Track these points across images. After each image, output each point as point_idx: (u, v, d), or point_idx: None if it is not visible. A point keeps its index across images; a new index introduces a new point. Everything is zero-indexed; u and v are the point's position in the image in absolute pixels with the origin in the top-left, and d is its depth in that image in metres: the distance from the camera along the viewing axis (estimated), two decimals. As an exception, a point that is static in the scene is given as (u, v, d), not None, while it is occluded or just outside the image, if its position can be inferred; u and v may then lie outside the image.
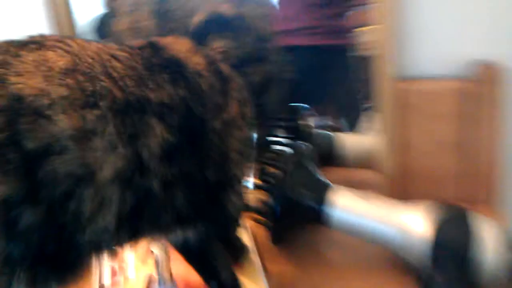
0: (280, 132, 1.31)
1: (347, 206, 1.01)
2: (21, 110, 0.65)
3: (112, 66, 0.76)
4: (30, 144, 0.65)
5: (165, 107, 0.79)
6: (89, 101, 0.71)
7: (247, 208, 1.08)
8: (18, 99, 0.65)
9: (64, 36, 0.78)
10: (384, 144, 1.17)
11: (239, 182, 0.96)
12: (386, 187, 1.18)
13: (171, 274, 0.97)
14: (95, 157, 0.70)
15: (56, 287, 0.78)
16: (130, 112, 0.75)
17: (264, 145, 1.40)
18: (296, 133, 1.29)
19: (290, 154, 1.13)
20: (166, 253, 0.96)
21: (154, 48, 0.86)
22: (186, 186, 0.84)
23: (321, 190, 1.05)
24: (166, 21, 1.15)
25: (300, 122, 1.31)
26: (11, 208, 0.65)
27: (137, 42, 0.87)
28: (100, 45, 0.79)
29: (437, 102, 1.14)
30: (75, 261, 0.78)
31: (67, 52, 0.73)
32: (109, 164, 0.72)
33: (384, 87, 1.13)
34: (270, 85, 1.26)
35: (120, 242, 0.82)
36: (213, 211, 0.93)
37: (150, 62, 0.82)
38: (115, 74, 0.75)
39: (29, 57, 0.69)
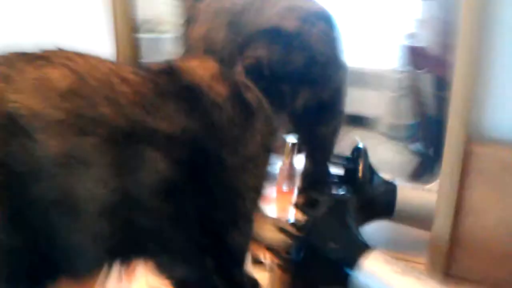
0: (334, 169, 1.19)
1: (377, 275, 0.89)
2: (15, 130, 0.62)
3: (120, 91, 0.70)
4: (18, 168, 0.62)
5: (173, 140, 0.73)
6: (85, 128, 0.65)
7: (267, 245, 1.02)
8: (13, 118, 0.62)
9: (77, 53, 0.72)
10: (444, 207, 1.02)
11: (248, 219, 0.90)
12: (435, 254, 1.04)
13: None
14: (84, 189, 0.65)
15: None
16: (130, 143, 0.69)
17: (311, 180, 1.31)
18: (351, 176, 1.16)
19: (329, 199, 1.02)
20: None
21: (173, 73, 0.79)
22: (185, 224, 0.79)
23: (353, 250, 0.93)
24: (238, 33, 1.10)
25: (361, 163, 1.17)
26: None
27: (157, 64, 0.81)
28: (113, 66, 0.73)
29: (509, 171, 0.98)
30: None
31: (74, 72, 0.68)
32: (98, 197, 0.67)
33: (454, 147, 0.98)
34: (323, 113, 1.20)
35: (105, 268, 0.78)
36: (214, 249, 0.87)
37: (165, 89, 0.75)
38: (121, 100, 0.69)
39: (32, 74, 0.65)
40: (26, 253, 0.65)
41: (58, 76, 0.66)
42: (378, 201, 1.13)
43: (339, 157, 1.22)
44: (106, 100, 0.68)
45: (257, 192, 0.90)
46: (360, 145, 1.19)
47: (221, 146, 0.80)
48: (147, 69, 0.78)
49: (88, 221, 0.67)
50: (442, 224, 1.01)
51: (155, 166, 0.71)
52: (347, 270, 0.91)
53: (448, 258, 1.03)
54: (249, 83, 0.90)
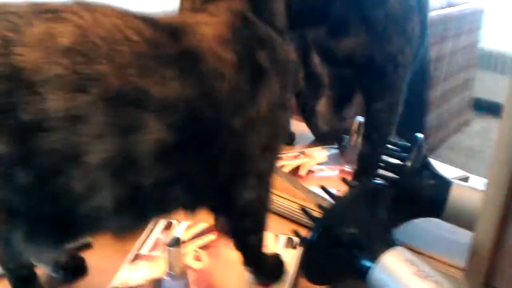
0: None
1: (395, 274, 0.82)
2: (19, 82, 0.66)
3: (119, 50, 0.70)
4: (24, 116, 0.66)
5: (167, 105, 0.72)
6: (81, 84, 0.67)
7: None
8: (18, 70, 0.65)
9: (88, 5, 0.73)
10: (490, 210, 0.92)
11: (261, 179, 0.89)
12: (476, 262, 0.95)
13: (183, 269, 0.92)
14: (82, 142, 0.68)
15: (53, 248, 0.85)
16: (124, 104, 0.70)
17: (362, 164, 1.25)
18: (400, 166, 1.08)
19: (361, 186, 0.96)
20: (179, 247, 0.91)
21: (174, 33, 0.77)
22: (188, 184, 0.80)
23: (375, 241, 0.87)
24: None
25: (412, 153, 1.08)
26: (6, 164, 0.67)
27: (166, 18, 0.80)
28: (119, 21, 0.72)
29: None
30: (74, 229, 0.79)
31: (77, 27, 0.69)
32: (96, 151, 0.69)
33: (504, 147, 0.87)
34: (375, 82, 1.19)
35: (124, 225, 0.82)
36: (222, 205, 0.90)
37: (163, 52, 0.74)
38: (118, 59, 0.70)
39: (39, 28, 0.68)
40: (39, 191, 0.70)
41: (62, 31, 0.68)
42: (425, 196, 1.04)
43: (396, 144, 1.14)
44: (105, 59, 0.69)
45: (270, 151, 0.88)
46: (418, 134, 1.10)
47: (221, 112, 0.78)
48: (154, 24, 0.76)
49: (90, 172, 0.70)
50: (485, 229, 0.91)
51: (150, 128, 0.71)
52: (364, 262, 0.85)
53: (490, 267, 0.93)
54: (268, 34, 0.86)
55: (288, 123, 0.95)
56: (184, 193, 0.81)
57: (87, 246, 1.10)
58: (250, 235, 0.94)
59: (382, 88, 1.19)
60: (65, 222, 0.77)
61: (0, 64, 0.65)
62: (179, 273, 0.91)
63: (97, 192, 0.72)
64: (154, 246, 1.08)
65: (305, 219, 1.04)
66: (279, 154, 0.93)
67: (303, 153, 1.48)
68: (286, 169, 1.38)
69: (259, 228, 0.95)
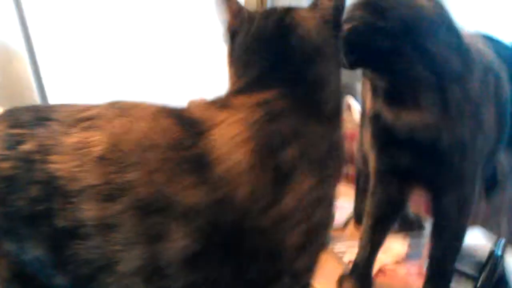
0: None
1: None
2: (55, 189, 0.68)
3: (147, 157, 0.70)
4: (60, 223, 0.68)
5: (189, 211, 0.70)
6: (113, 194, 0.68)
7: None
8: (54, 179, 0.68)
9: (121, 110, 0.75)
10: None
11: (294, 275, 0.80)
12: None
13: None
14: (114, 251, 0.69)
15: None
16: (152, 212, 0.69)
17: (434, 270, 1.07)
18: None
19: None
20: None
21: (195, 134, 0.73)
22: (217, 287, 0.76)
23: None
24: None
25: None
26: (47, 267, 0.72)
27: (194, 113, 0.77)
28: (148, 125, 0.73)
29: None
30: None
31: (110, 136, 0.71)
32: (128, 260, 0.70)
33: None
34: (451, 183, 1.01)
35: None
36: None
37: (184, 156, 0.72)
38: (147, 167, 0.69)
39: (74, 137, 0.70)
40: None
41: (95, 140, 0.69)
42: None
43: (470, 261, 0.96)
44: (134, 166, 0.69)
45: (308, 249, 0.78)
46: (498, 251, 0.91)
47: (243, 216, 0.73)
48: (181, 122, 0.74)
49: (123, 278, 0.71)
50: None
51: (175, 236, 0.69)
52: None
53: None
54: (302, 125, 0.77)
55: (329, 218, 0.83)
56: None
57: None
58: None
59: (449, 179, 1.02)
60: None
61: (38, 171, 0.68)
62: None
63: None
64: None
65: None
66: (320, 251, 0.82)
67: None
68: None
69: None
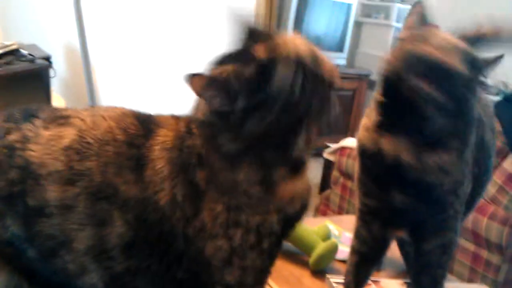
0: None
1: None
2: (29, 173, 0.83)
3: (106, 150, 0.84)
4: (31, 202, 0.83)
5: (129, 202, 0.82)
6: (72, 179, 0.82)
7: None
8: (29, 163, 0.84)
9: (94, 111, 0.90)
10: None
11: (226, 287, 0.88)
12: None
13: None
14: (71, 229, 0.83)
15: None
16: (100, 199, 0.82)
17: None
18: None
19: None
20: None
21: (145, 135, 0.86)
22: (152, 279, 0.87)
23: None
24: None
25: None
26: (21, 242, 0.86)
27: (157, 118, 0.90)
28: (114, 123, 0.86)
29: None
30: None
31: (78, 130, 0.85)
32: (81, 239, 0.83)
33: None
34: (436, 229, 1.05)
35: None
36: None
37: (131, 154, 0.84)
38: (103, 158, 0.83)
39: (49, 131, 0.86)
40: (45, 265, 0.87)
41: (66, 133, 0.85)
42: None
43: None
44: (94, 156, 0.83)
45: (237, 266, 0.85)
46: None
47: (169, 220, 0.83)
48: (142, 123, 0.88)
49: (78, 257, 0.84)
50: None
51: (117, 222, 0.82)
52: None
53: None
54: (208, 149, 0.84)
55: (260, 245, 0.86)
56: (149, 286, 0.88)
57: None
58: None
59: (436, 225, 1.06)
60: None
61: (17, 157, 0.84)
62: None
63: (87, 273, 0.86)
64: None
65: None
66: (260, 272, 0.89)
67: (376, 283, 1.37)
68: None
69: None
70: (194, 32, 3.79)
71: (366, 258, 1.17)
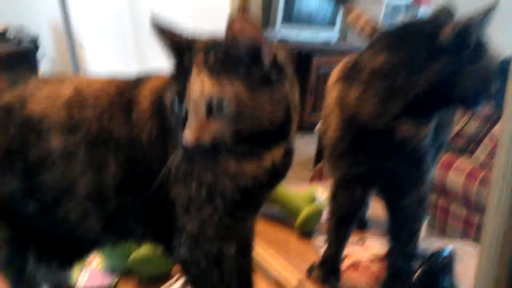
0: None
1: None
2: (30, 128, 0.88)
3: (100, 102, 0.89)
4: (32, 157, 0.88)
5: (120, 144, 0.88)
6: (72, 128, 0.87)
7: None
8: (29, 119, 0.88)
9: (84, 75, 0.98)
10: None
11: (189, 236, 0.90)
12: None
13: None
14: (73, 177, 0.88)
15: (60, 268, 1.03)
16: (98, 145, 0.87)
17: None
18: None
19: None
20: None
21: (135, 83, 0.92)
22: (135, 216, 0.93)
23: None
24: None
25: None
26: (17, 198, 0.90)
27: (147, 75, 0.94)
28: (106, 81, 0.93)
29: None
30: (75, 249, 1.01)
31: (75, 87, 0.91)
32: (83, 185, 0.88)
33: None
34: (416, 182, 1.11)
35: (113, 240, 1.02)
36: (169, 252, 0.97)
37: (122, 101, 0.89)
38: (98, 109, 0.88)
39: (48, 88, 0.91)
40: (46, 217, 0.92)
41: (64, 90, 0.90)
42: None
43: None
44: (90, 108, 0.88)
45: (195, 213, 0.88)
46: (448, 249, 0.99)
47: (148, 159, 0.88)
48: (132, 80, 0.93)
49: (80, 202, 0.89)
50: None
51: (111, 165, 0.87)
52: None
53: None
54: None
55: (211, 200, 0.88)
56: (136, 223, 0.94)
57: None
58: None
59: (413, 181, 1.11)
60: (67, 244, 0.97)
61: (17, 116, 0.88)
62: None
63: (87, 218, 0.91)
64: None
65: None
66: (217, 230, 0.90)
67: (361, 241, 1.40)
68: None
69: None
70: (180, 6, 3.76)
71: (343, 219, 1.20)
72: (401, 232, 1.15)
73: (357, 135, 1.06)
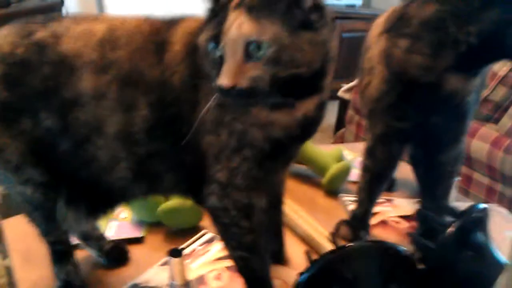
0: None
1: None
2: (64, 65, 0.88)
3: (134, 40, 0.88)
4: (66, 94, 0.88)
5: (150, 85, 0.87)
6: (105, 67, 0.87)
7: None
8: (63, 56, 0.88)
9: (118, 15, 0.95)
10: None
11: (220, 184, 0.90)
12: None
13: (186, 281, 0.96)
14: (103, 115, 0.88)
15: (88, 216, 1.03)
16: (128, 84, 0.87)
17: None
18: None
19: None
20: (182, 260, 0.95)
21: (169, 23, 0.91)
22: (166, 162, 0.92)
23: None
24: None
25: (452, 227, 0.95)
26: (54, 135, 0.90)
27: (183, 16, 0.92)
28: (141, 21, 0.92)
29: None
30: (105, 197, 1.00)
31: (109, 25, 0.90)
32: (111, 123, 0.88)
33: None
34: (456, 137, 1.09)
35: (142, 192, 1.01)
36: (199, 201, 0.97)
37: (155, 42, 0.88)
38: (131, 46, 0.88)
39: (82, 26, 0.90)
40: (77, 156, 0.92)
41: (97, 28, 0.89)
42: (461, 277, 0.92)
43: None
44: (124, 46, 0.88)
45: (226, 162, 0.88)
46: (481, 205, 0.98)
47: (179, 103, 0.87)
48: (166, 20, 0.92)
49: (108, 141, 0.89)
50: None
51: (141, 106, 0.87)
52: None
53: None
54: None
55: (242, 150, 0.88)
56: (167, 171, 0.93)
57: (139, 240, 1.21)
58: (236, 250, 0.95)
59: (454, 136, 1.10)
60: (97, 191, 0.97)
61: (50, 52, 0.88)
62: (180, 285, 0.96)
63: (117, 162, 0.91)
64: (188, 256, 1.14)
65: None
66: (247, 180, 0.89)
67: (389, 201, 1.40)
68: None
69: (242, 247, 0.94)
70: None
71: (378, 175, 1.18)
72: (436, 188, 1.15)
73: (405, 89, 1.04)
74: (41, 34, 0.89)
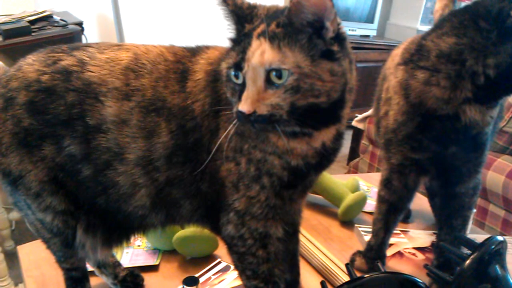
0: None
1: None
2: (89, 93, 0.89)
3: (157, 68, 0.90)
4: (90, 121, 0.89)
5: (172, 112, 0.88)
6: (128, 94, 0.88)
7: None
8: (88, 83, 0.89)
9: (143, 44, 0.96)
10: None
11: (237, 213, 0.90)
12: None
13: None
14: (125, 141, 0.89)
15: (106, 246, 1.02)
16: (151, 111, 0.88)
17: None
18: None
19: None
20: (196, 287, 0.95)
21: (192, 53, 0.93)
22: (184, 189, 0.92)
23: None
24: None
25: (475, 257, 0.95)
26: (76, 162, 0.91)
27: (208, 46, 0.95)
28: (164, 49, 0.93)
29: None
30: (123, 226, 1.00)
31: (134, 53, 0.92)
32: (133, 149, 0.89)
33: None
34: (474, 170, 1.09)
35: (160, 222, 0.99)
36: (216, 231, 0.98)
37: (178, 69, 0.90)
38: (155, 74, 0.89)
39: (107, 54, 0.92)
40: (97, 182, 0.92)
41: (122, 56, 0.91)
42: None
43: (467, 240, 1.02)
44: (147, 74, 0.89)
45: (244, 191, 0.88)
46: (499, 238, 0.97)
47: (199, 130, 0.88)
48: (190, 48, 0.94)
49: (129, 167, 0.90)
50: None
51: (163, 133, 0.88)
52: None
53: None
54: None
55: (260, 178, 0.88)
56: (183, 197, 0.93)
57: (154, 267, 1.21)
58: (252, 280, 0.94)
59: (472, 168, 1.09)
60: (115, 219, 0.97)
61: (76, 78, 0.90)
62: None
63: (137, 190, 0.91)
64: (203, 285, 1.14)
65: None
66: (265, 209, 0.90)
67: (405, 232, 1.39)
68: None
69: (257, 276, 0.93)
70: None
71: (395, 207, 1.18)
72: (453, 220, 1.14)
73: (422, 120, 1.04)
74: (66, 62, 0.90)
